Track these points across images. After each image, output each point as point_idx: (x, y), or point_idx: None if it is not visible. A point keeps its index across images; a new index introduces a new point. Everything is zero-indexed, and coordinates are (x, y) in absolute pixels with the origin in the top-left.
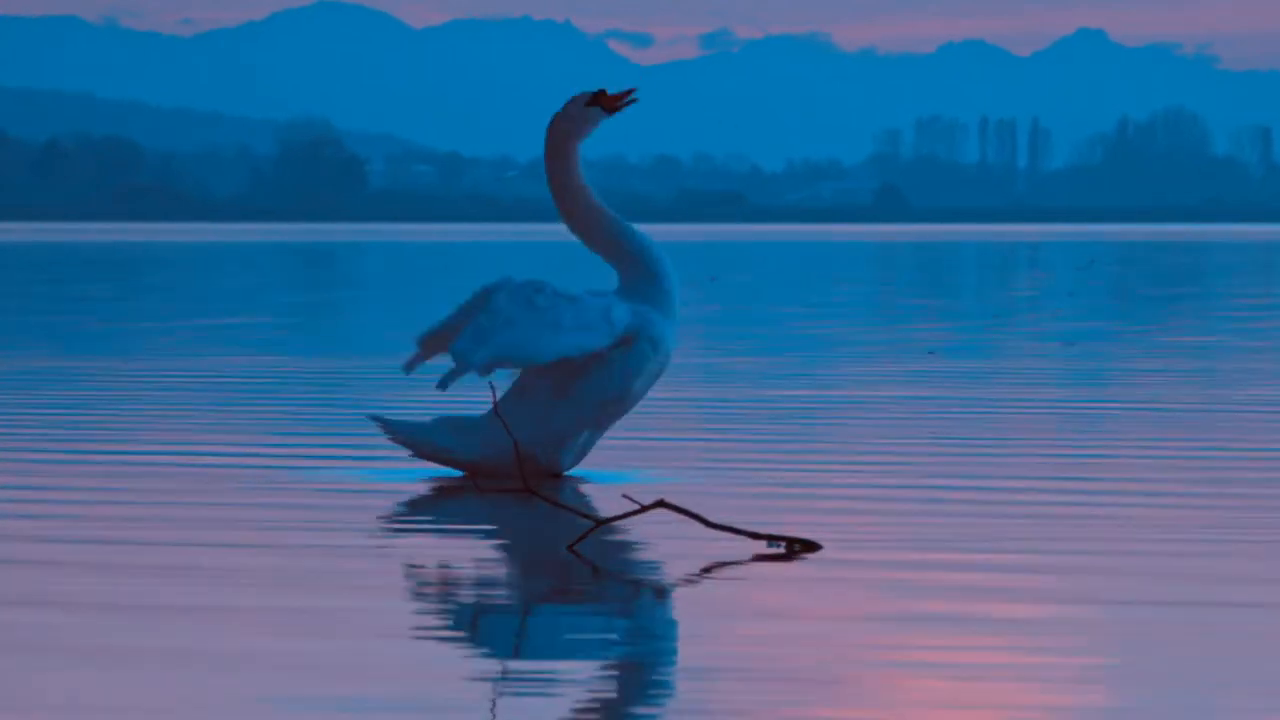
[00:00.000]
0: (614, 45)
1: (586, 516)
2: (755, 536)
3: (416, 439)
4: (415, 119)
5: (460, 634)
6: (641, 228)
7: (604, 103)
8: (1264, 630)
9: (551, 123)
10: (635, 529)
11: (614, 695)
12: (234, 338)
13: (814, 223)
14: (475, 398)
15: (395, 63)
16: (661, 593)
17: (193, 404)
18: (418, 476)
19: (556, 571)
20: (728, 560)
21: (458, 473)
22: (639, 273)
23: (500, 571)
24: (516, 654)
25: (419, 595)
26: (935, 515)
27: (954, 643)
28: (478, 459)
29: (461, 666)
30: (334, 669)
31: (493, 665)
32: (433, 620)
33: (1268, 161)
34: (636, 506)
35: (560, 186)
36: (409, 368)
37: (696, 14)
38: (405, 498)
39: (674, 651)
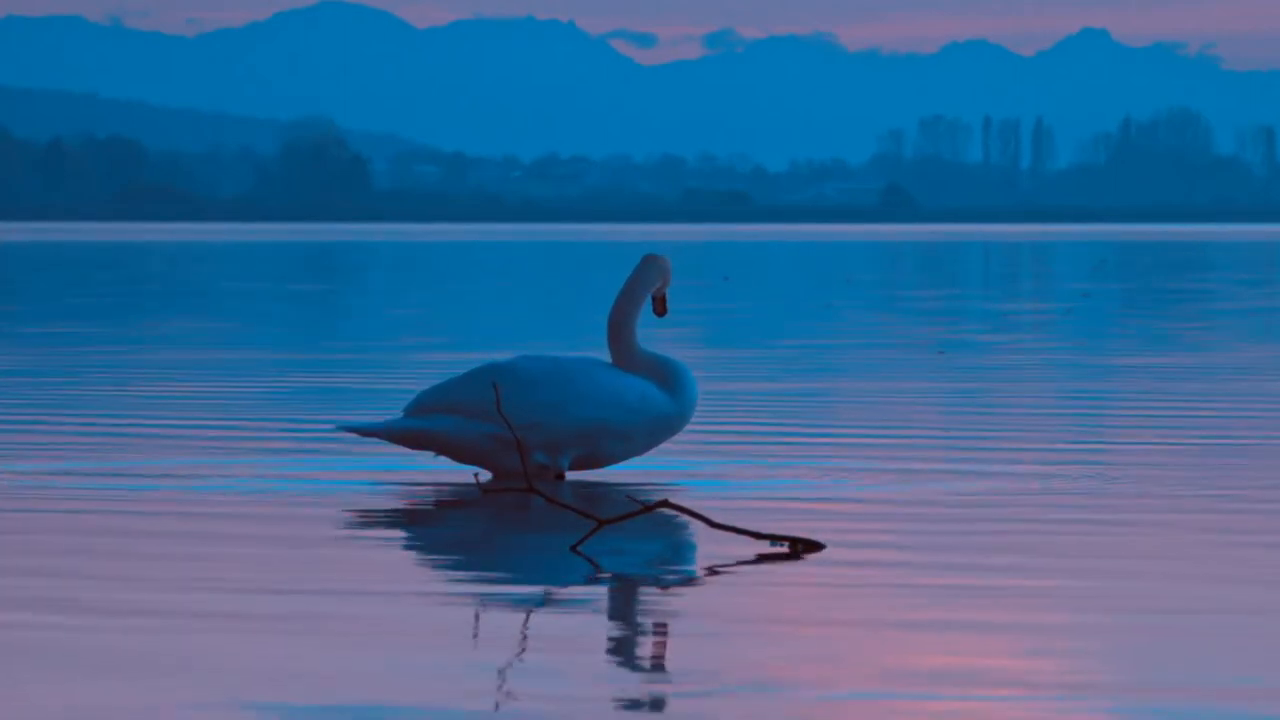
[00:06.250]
0: (618, 45)
1: (590, 516)
2: (758, 536)
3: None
4: (419, 119)
5: (463, 634)
6: (647, 228)
7: (657, 307)
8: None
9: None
10: (639, 529)
11: (617, 695)
12: (234, 338)
13: (819, 222)
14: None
15: (399, 63)
16: (665, 593)
17: (201, 403)
18: (420, 477)
19: (560, 571)
20: (731, 560)
21: (461, 473)
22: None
23: (503, 571)
24: (520, 654)
25: (422, 595)
26: (940, 516)
27: (957, 645)
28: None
29: (464, 666)
30: (335, 669)
31: (496, 665)
32: (435, 620)
33: (1271, 162)
34: (640, 506)
35: (616, 325)
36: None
37: (700, 14)
38: (408, 498)
39: (677, 652)
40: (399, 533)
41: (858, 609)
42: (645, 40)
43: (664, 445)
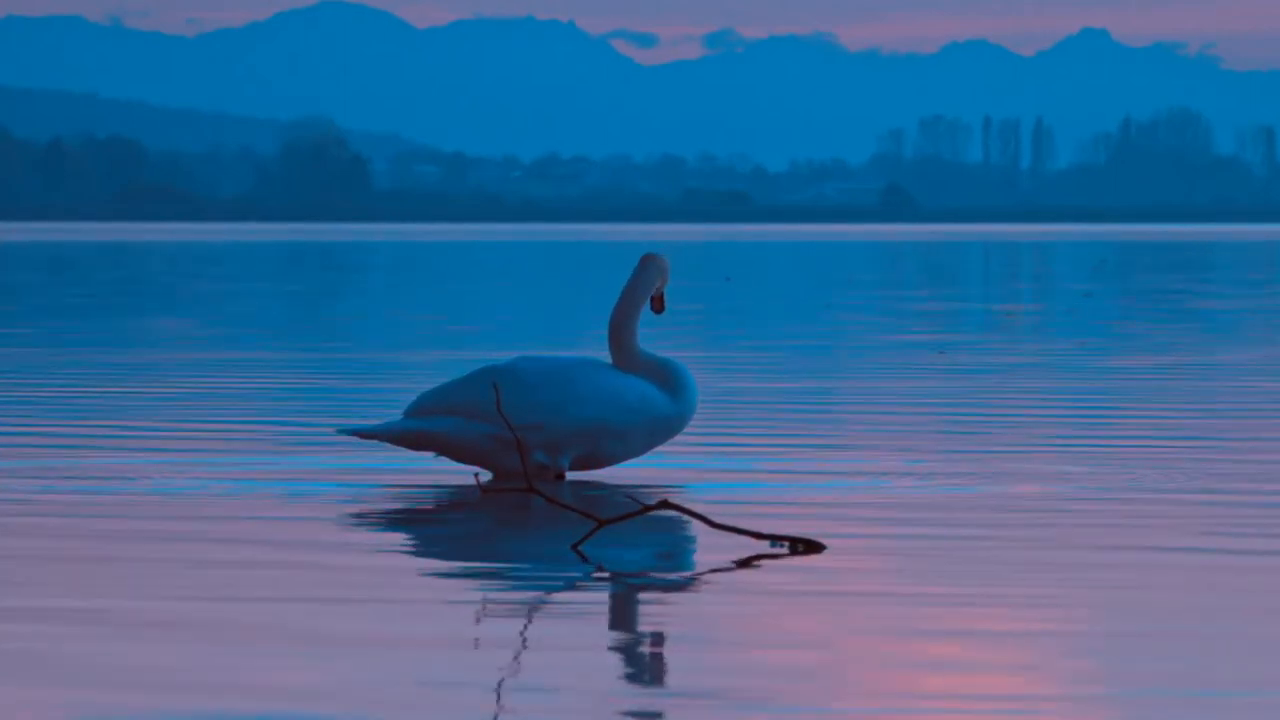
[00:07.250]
0: (618, 45)
1: (590, 516)
2: (758, 537)
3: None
4: (419, 119)
5: (463, 633)
6: (647, 228)
7: (655, 305)
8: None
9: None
10: (639, 529)
11: (616, 695)
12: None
13: (818, 223)
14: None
15: (399, 62)
16: (664, 593)
17: (200, 403)
18: (420, 477)
19: (560, 571)
20: (730, 561)
21: (461, 473)
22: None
23: (504, 571)
24: (520, 653)
25: (423, 594)
26: (940, 516)
27: (956, 646)
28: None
29: (465, 666)
30: (335, 669)
31: (496, 665)
32: (436, 620)
33: (1271, 162)
34: (640, 506)
35: (617, 326)
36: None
37: (700, 14)
38: (408, 498)
39: (676, 652)
40: (399, 533)
41: (858, 610)
42: (645, 40)
43: (664, 445)
